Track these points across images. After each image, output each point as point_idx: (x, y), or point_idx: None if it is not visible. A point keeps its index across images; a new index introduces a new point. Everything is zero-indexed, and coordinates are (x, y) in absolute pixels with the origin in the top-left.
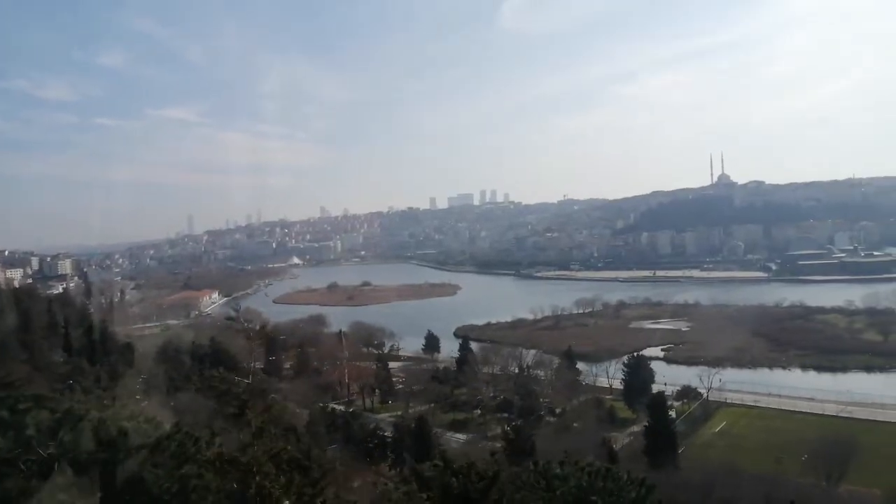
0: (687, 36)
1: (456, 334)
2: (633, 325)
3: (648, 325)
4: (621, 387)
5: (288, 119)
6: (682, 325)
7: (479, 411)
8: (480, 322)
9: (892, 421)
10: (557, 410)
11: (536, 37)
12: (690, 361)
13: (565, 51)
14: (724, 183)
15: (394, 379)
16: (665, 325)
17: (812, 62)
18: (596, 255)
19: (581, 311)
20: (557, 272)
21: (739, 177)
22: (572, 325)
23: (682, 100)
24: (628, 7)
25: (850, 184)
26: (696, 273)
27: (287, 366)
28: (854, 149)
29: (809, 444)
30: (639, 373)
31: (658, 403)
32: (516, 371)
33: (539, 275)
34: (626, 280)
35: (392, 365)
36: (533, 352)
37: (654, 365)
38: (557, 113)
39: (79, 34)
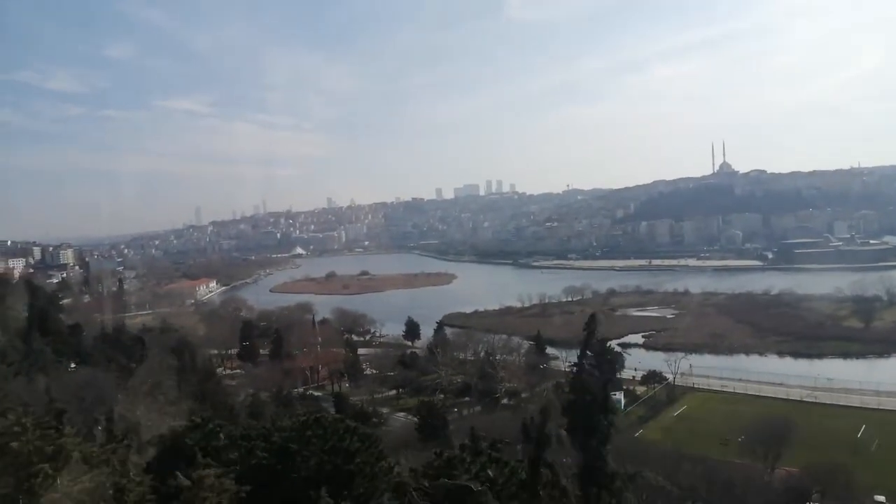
0: (696, 26)
1: (442, 322)
2: (620, 312)
3: (635, 312)
4: None
5: (295, 110)
6: (668, 313)
7: (442, 395)
8: (468, 310)
9: (855, 405)
10: (524, 395)
11: (544, 27)
12: (668, 348)
13: (573, 41)
14: (725, 172)
15: (364, 364)
16: (651, 312)
17: (818, 52)
18: (595, 244)
19: (569, 298)
20: (555, 261)
21: (742, 165)
22: (559, 312)
23: (688, 89)
24: None
25: (852, 173)
26: (692, 262)
27: (265, 352)
28: (859, 138)
29: (756, 427)
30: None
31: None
32: (481, 356)
33: (537, 264)
34: (621, 269)
35: (367, 351)
36: (504, 337)
37: (634, 351)
38: (564, 103)
39: (86, 25)
